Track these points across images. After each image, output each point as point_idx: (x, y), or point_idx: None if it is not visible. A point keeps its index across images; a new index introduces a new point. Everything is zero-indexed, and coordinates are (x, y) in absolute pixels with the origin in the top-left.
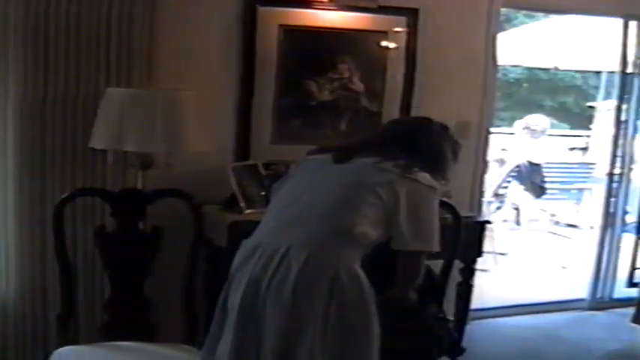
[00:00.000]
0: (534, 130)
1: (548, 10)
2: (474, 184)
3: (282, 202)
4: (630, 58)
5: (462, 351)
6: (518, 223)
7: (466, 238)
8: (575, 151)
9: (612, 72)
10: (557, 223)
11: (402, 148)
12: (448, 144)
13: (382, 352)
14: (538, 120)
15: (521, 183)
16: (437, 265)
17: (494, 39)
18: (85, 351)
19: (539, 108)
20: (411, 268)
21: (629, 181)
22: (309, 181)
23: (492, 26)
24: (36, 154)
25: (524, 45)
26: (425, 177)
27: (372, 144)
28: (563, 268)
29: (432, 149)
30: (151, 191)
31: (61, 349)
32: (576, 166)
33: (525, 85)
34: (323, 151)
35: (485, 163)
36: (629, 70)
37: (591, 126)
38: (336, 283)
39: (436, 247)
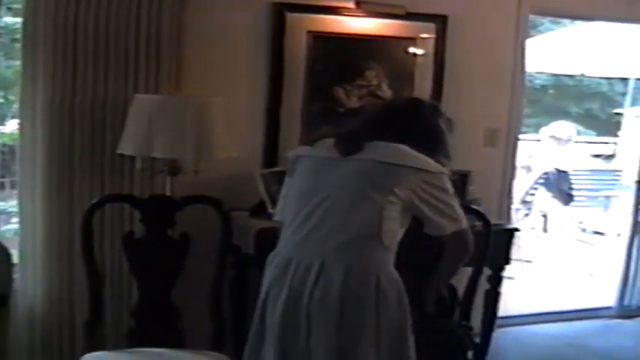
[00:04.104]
0: (560, 139)
1: (576, 16)
2: (503, 192)
3: (302, 209)
4: None
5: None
6: (545, 230)
7: (494, 246)
8: (599, 159)
9: None
10: (584, 230)
11: (399, 133)
12: (443, 122)
13: None
14: (564, 127)
15: (549, 190)
16: (466, 272)
17: (522, 45)
18: (112, 357)
19: (564, 115)
20: (460, 246)
21: None
22: (323, 183)
23: (520, 33)
24: (64, 160)
25: (549, 51)
26: (432, 164)
27: (371, 131)
28: (590, 275)
29: (431, 130)
30: (181, 198)
31: (88, 355)
32: (603, 173)
33: (551, 91)
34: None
35: (513, 170)
36: None
37: (619, 133)
38: (379, 291)
39: (464, 224)
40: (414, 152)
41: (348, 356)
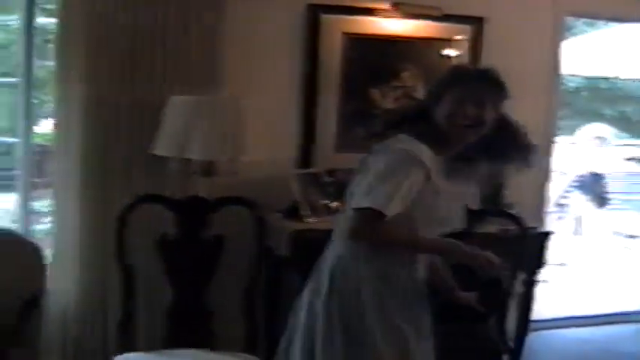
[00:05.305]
0: (601, 140)
1: (611, 18)
2: (538, 195)
3: None
4: None
5: None
6: (579, 233)
7: (529, 249)
8: (633, 161)
9: None
10: (618, 233)
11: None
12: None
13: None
14: (603, 129)
15: (584, 193)
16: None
17: (557, 48)
18: (144, 358)
19: (598, 117)
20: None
21: None
22: None
23: (556, 35)
24: (99, 160)
25: (584, 54)
26: (402, 141)
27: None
28: (625, 279)
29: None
30: (216, 199)
31: (120, 356)
32: (638, 176)
33: (584, 93)
34: None
35: (548, 173)
36: None
37: None
38: (332, 280)
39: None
40: (397, 136)
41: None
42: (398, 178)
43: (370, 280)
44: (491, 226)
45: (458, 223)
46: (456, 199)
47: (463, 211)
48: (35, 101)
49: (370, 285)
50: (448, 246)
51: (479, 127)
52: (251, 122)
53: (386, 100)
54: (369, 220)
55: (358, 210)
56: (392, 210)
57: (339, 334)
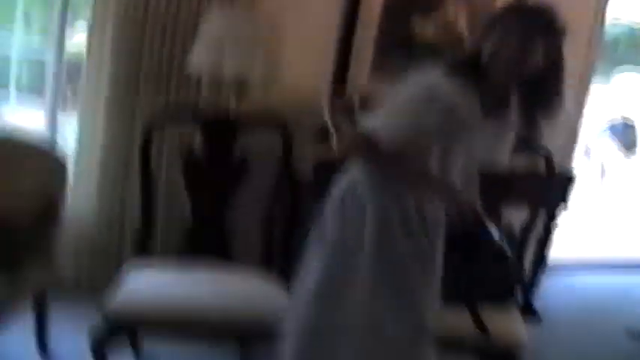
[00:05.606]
0: (635, 87)
1: None
2: (568, 138)
3: None
4: None
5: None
6: (604, 178)
7: (553, 190)
8: None
9: None
10: None
11: None
12: None
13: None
14: (638, 77)
15: (613, 140)
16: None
17: None
18: (158, 270)
19: (634, 64)
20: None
21: None
22: None
23: None
24: (131, 72)
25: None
26: (432, 76)
27: None
28: None
29: None
30: (245, 119)
31: (134, 263)
32: None
33: (623, 41)
34: None
35: (580, 119)
36: None
37: None
38: (339, 208)
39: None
40: (430, 70)
41: None
42: (405, 112)
43: (377, 206)
44: (519, 161)
45: (499, 161)
46: (497, 137)
47: (504, 149)
48: (68, 16)
49: (376, 212)
50: (433, 182)
51: (522, 67)
52: (287, 43)
53: (426, 31)
54: (364, 143)
55: (358, 132)
56: (388, 138)
57: (334, 262)
